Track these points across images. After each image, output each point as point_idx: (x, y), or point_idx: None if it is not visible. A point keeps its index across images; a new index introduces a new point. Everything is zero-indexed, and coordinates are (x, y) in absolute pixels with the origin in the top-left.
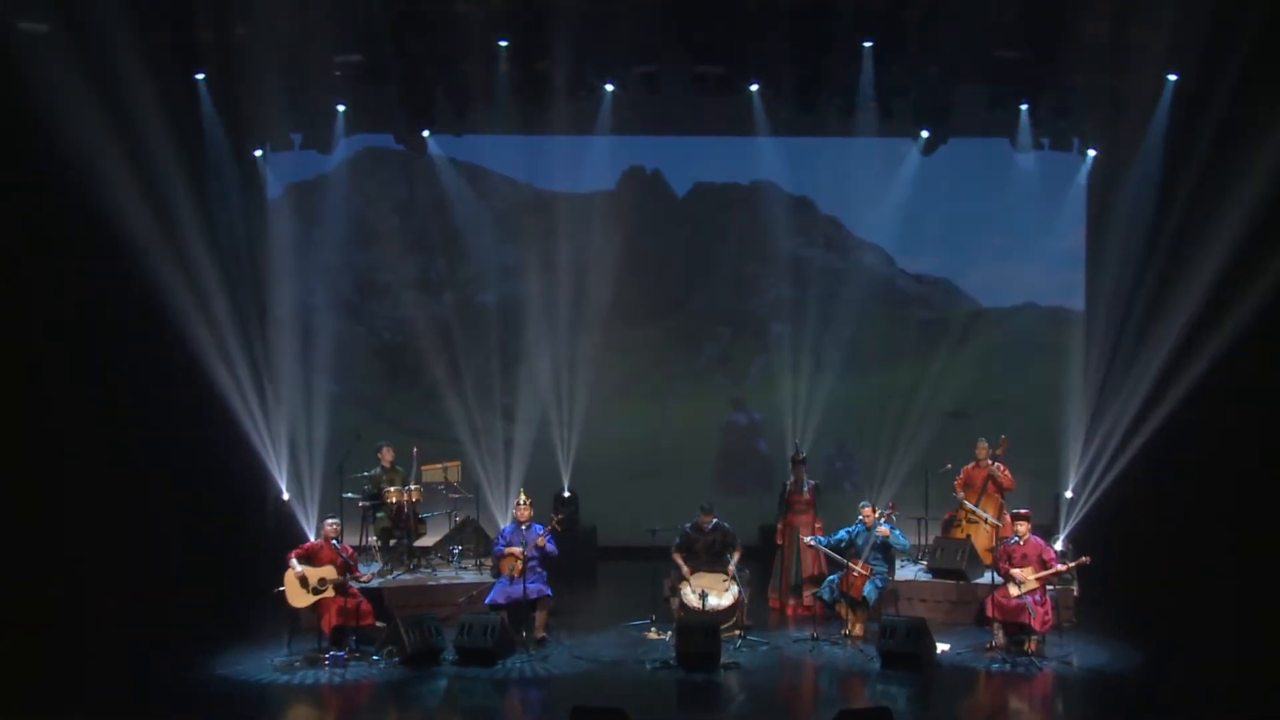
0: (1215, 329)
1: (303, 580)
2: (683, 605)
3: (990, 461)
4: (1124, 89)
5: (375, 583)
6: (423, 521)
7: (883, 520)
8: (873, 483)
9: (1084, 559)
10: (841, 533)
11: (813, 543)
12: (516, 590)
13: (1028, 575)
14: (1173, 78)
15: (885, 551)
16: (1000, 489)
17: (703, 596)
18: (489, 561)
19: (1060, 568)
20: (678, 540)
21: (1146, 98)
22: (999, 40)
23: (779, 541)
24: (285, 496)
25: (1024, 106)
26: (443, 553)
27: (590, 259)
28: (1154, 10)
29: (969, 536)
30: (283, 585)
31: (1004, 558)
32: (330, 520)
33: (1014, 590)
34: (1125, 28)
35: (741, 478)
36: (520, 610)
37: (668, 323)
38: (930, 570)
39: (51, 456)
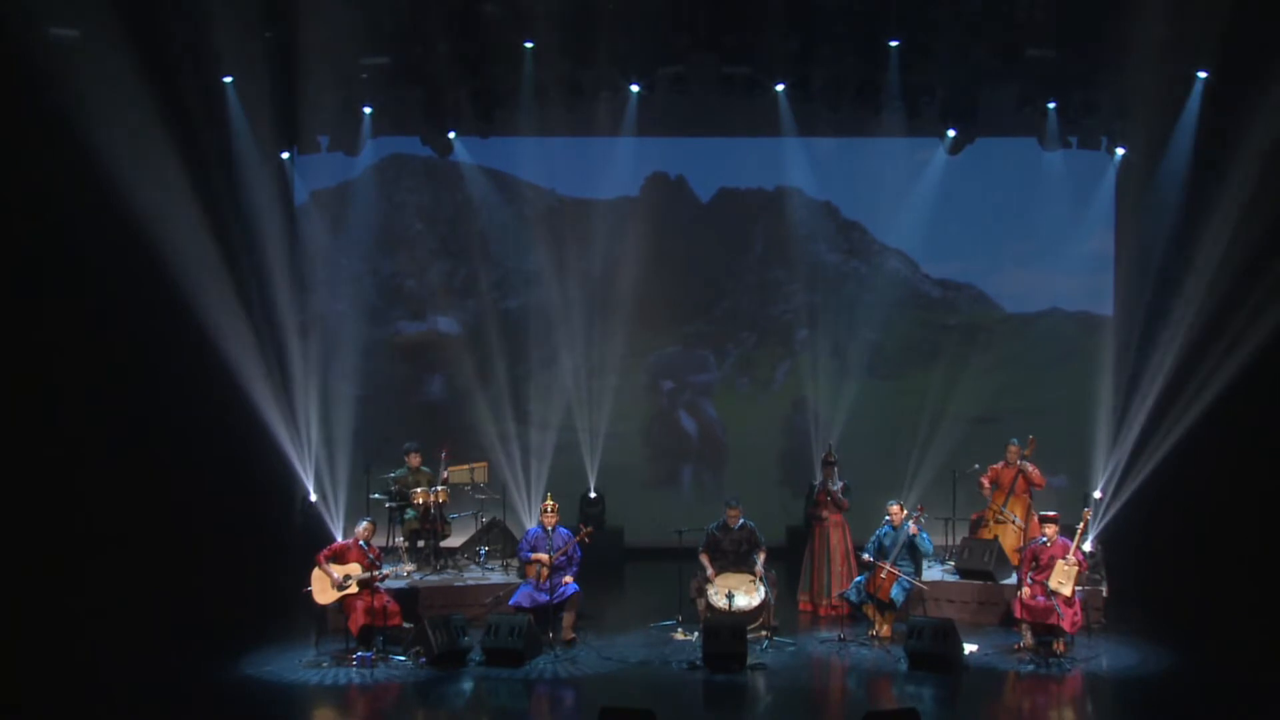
0: (1246, 330)
1: (328, 578)
2: (709, 606)
3: (1019, 461)
4: (1153, 86)
5: (401, 583)
6: (449, 522)
7: (911, 521)
8: (899, 487)
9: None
10: (873, 539)
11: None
12: (543, 596)
13: (1064, 577)
14: (1202, 75)
15: (912, 553)
16: (1030, 486)
17: (730, 597)
18: (516, 562)
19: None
20: (704, 540)
21: (1176, 95)
22: (1027, 38)
23: (819, 514)
24: (312, 498)
25: (1052, 105)
26: (469, 553)
27: (615, 264)
28: (1183, 7)
29: (996, 537)
30: (310, 585)
31: (1029, 559)
32: (364, 522)
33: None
34: (1154, 25)
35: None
36: (546, 611)
37: (692, 328)
38: (958, 571)
39: (81, 458)
